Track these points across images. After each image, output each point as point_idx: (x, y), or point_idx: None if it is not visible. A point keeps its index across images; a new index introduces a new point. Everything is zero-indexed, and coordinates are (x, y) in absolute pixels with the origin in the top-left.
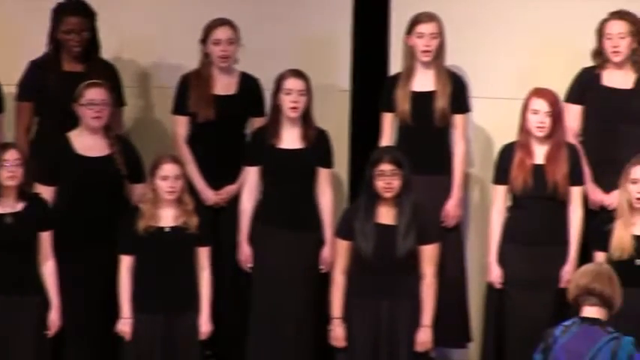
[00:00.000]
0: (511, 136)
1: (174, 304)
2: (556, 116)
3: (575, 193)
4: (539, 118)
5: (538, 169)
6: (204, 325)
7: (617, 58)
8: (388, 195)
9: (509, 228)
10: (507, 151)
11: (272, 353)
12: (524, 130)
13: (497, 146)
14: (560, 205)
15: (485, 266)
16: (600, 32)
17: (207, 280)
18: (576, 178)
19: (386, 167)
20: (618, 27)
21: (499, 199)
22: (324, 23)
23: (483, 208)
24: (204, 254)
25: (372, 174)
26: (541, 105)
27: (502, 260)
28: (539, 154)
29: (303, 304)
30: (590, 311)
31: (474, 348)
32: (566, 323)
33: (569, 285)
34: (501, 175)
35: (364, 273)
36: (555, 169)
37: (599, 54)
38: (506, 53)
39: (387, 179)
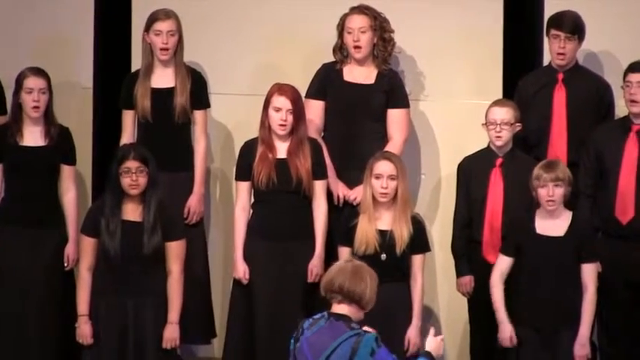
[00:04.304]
0: (251, 131)
1: None
2: (297, 113)
3: (319, 187)
4: (282, 115)
5: (281, 164)
6: None
7: (358, 54)
8: (134, 192)
9: (254, 224)
10: (249, 147)
11: (16, 353)
12: (265, 125)
13: (237, 142)
14: (305, 200)
15: (230, 262)
16: (341, 27)
17: None
18: (319, 172)
19: (132, 164)
20: (359, 21)
21: (242, 195)
22: (67, 20)
23: (225, 203)
24: None
25: (118, 171)
26: (283, 103)
27: (248, 256)
28: (282, 149)
29: (48, 302)
30: (338, 308)
31: (218, 344)
32: (315, 317)
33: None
34: (244, 171)
35: (110, 270)
36: (298, 164)
37: (340, 49)
38: (245, 49)
39: (133, 176)
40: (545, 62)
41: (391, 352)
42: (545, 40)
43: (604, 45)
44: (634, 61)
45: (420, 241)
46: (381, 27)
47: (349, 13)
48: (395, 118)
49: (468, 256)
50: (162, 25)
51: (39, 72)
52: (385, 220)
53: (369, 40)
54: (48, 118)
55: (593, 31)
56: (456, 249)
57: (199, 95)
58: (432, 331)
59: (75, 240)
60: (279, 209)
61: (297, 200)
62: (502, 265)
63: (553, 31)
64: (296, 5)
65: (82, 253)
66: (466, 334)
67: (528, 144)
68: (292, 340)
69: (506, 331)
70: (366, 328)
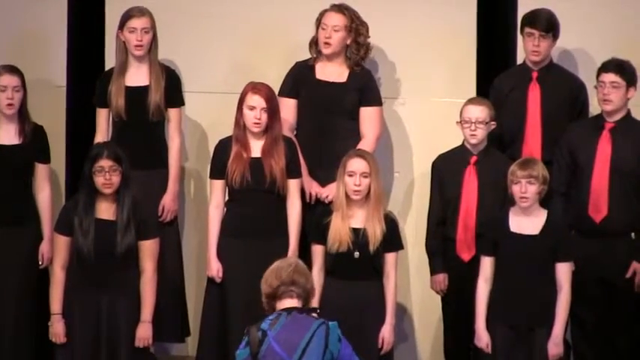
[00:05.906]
0: (226, 129)
1: None
2: (272, 111)
3: (293, 185)
4: (256, 114)
5: (255, 163)
6: None
7: (327, 50)
8: (108, 191)
9: (228, 222)
10: (223, 145)
11: None
12: (240, 124)
13: (212, 140)
14: (279, 198)
15: (204, 260)
16: (318, 22)
17: None
18: (293, 171)
19: (105, 163)
20: (335, 19)
21: (217, 193)
22: (39, 18)
23: (199, 201)
24: None
25: (91, 170)
26: (257, 101)
27: (222, 255)
28: (256, 147)
29: (22, 301)
30: (292, 302)
31: (192, 342)
32: (272, 317)
33: (264, 285)
34: (218, 169)
35: (84, 268)
36: (272, 163)
37: (316, 44)
38: (220, 47)
39: (107, 175)
40: (519, 61)
41: None
42: (520, 38)
43: (578, 43)
44: (606, 60)
45: (393, 239)
46: (356, 30)
47: (328, 9)
48: (367, 115)
49: (442, 254)
50: (137, 23)
51: (12, 70)
52: (358, 218)
53: (340, 39)
54: (22, 116)
55: (567, 29)
56: (430, 247)
57: (174, 93)
58: None
59: (50, 238)
60: (253, 208)
61: (271, 199)
62: (485, 267)
63: (527, 29)
64: (272, 4)
65: (55, 252)
66: (440, 332)
67: (503, 142)
68: (245, 346)
69: (483, 341)
70: None
